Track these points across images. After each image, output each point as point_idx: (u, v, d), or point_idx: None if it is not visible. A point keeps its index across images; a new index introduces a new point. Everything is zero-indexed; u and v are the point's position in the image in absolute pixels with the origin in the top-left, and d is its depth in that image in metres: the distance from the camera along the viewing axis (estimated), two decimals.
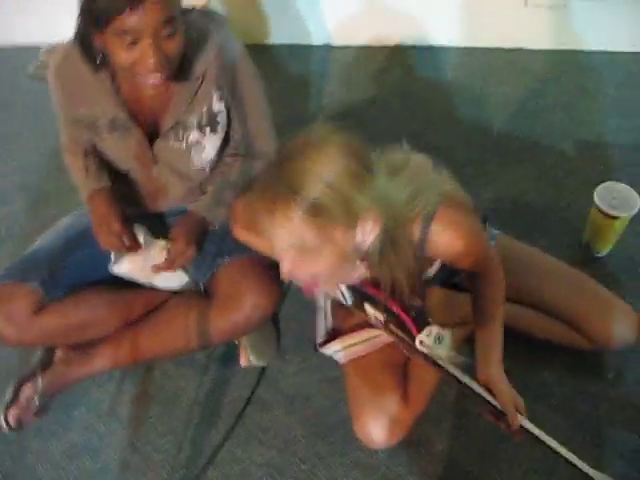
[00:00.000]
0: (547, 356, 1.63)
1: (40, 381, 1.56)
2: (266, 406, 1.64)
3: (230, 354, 1.74)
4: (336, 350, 1.52)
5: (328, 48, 2.91)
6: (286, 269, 1.12)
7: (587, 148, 2.28)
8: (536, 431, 1.20)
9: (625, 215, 1.74)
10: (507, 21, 2.72)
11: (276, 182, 1.04)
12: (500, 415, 1.22)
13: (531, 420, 1.20)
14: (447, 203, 1.20)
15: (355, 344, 1.49)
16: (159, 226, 1.67)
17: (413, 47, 2.85)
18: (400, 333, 1.32)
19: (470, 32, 2.79)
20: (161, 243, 1.57)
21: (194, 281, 1.64)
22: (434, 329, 1.27)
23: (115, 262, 1.56)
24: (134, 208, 1.66)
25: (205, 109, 1.50)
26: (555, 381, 1.62)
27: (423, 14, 2.78)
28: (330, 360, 1.67)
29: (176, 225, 1.59)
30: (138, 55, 1.26)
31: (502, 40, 2.76)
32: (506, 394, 1.23)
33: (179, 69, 1.40)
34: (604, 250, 1.88)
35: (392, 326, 1.35)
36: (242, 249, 1.53)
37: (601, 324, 1.47)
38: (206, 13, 1.50)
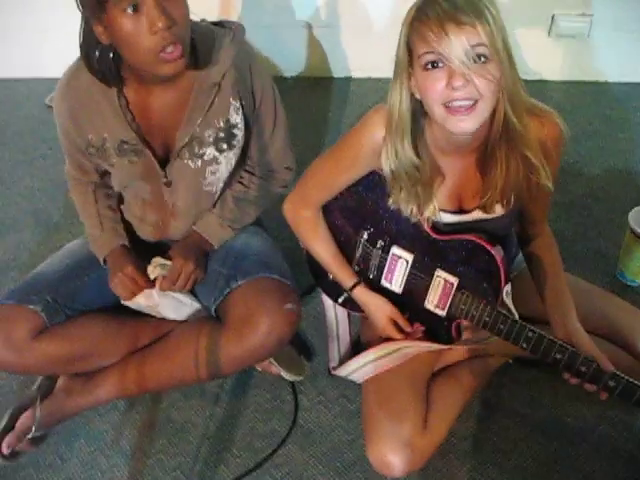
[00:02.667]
0: None
1: (39, 410, 1.46)
2: (280, 440, 1.52)
3: (243, 384, 1.64)
4: (357, 367, 1.46)
5: (348, 80, 2.90)
6: (459, 79, 1.04)
7: (617, 176, 2.22)
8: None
9: None
10: (530, 52, 2.67)
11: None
12: (585, 373, 1.19)
13: None
14: None
15: (381, 357, 1.42)
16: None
17: None
18: (473, 296, 1.31)
19: None
20: (157, 260, 1.50)
21: (205, 308, 1.56)
22: None
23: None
24: (143, 242, 1.61)
25: (222, 122, 1.42)
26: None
27: None
28: (349, 391, 1.58)
29: (174, 245, 1.53)
30: (145, 21, 1.18)
31: (524, 72, 2.69)
32: (591, 343, 1.20)
33: (193, 70, 1.34)
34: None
35: (466, 291, 1.31)
36: (259, 270, 1.46)
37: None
38: (221, 22, 1.44)
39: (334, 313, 1.65)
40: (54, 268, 1.56)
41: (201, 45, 1.34)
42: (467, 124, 1.09)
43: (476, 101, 1.06)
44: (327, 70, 2.94)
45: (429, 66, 1.06)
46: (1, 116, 2.92)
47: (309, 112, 2.71)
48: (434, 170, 1.24)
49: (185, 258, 1.48)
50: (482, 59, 1.04)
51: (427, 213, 1.26)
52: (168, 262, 1.49)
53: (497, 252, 1.27)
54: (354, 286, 1.46)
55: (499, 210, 1.27)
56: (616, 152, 2.34)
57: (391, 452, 1.29)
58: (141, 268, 1.49)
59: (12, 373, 1.58)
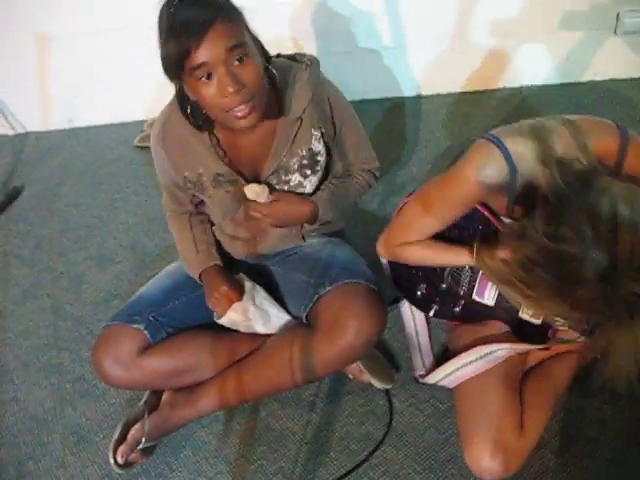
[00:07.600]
0: None
1: (147, 423, 1.56)
2: (375, 442, 1.56)
3: (336, 391, 1.70)
4: (446, 374, 1.47)
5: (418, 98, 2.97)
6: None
7: None
8: None
9: None
10: (598, 52, 2.66)
11: None
12: None
13: None
14: None
15: (473, 361, 1.42)
16: (260, 271, 1.70)
17: (502, 89, 2.86)
18: None
19: (561, 68, 2.75)
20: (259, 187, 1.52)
21: (295, 318, 1.62)
22: None
23: (219, 316, 1.60)
24: (235, 259, 1.71)
25: (305, 151, 1.51)
26: None
27: (513, 56, 2.79)
28: (440, 393, 1.61)
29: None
30: (217, 88, 1.26)
31: (594, 73, 2.70)
32: None
33: (277, 109, 1.43)
34: None
35: None
36: (346, 276, 1.52)
37: None
38: (295, 56, 1.52)
39: (413, 324, 1.67)
40: (154, 290, 1.67)
41: (281, 85, 1.43)
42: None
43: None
44: (397, 90, 3.01)
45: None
46: (95, 160, 3.14)
47: (385, 130, 2.79)
48: None
49: (285, 200, 1.54)
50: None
51: None
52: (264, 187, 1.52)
53: None
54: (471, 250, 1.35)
55: None
56: None
57: (490, 457, 1.29)
58: (233, 285, 1.58)
59: (121, 388, 1.69)
